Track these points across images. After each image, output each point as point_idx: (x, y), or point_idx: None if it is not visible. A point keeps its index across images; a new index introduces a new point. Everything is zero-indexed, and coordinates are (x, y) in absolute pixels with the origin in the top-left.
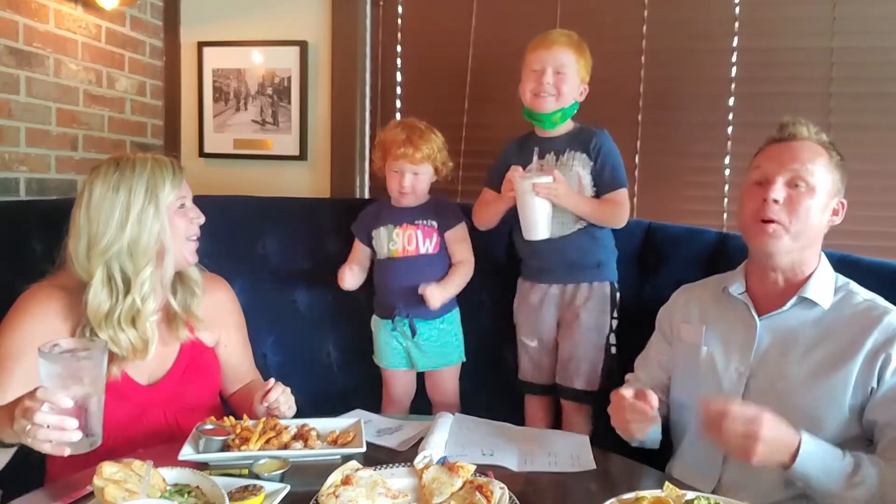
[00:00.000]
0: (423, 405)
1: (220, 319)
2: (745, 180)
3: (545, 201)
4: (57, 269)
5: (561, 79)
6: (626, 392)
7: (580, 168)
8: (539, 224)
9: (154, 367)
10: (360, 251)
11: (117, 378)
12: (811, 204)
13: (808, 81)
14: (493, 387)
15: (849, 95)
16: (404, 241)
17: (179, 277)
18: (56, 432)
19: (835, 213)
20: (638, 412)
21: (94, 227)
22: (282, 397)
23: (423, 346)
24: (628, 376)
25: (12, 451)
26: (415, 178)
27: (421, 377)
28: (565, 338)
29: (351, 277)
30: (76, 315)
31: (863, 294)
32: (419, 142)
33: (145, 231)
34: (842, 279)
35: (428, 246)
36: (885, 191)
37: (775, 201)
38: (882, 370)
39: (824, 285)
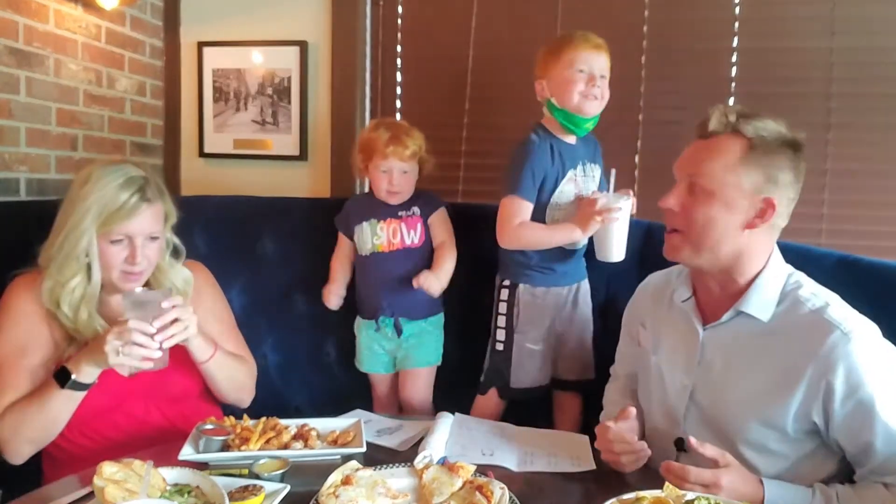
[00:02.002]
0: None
1: (195, 302)
2: None
3: (629, 222)
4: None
5: (605, 83)
6: (609, 423)
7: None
8: (625, 244)
9: None
10: (345, 245)
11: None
12: (708, 211)
13: (808, 81)
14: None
15: (848, 95)
16: (389, 235)
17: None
18: (144, 350)
19: (759, 214)
20: (625, 443)
21: (56, 220)
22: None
23: (403, 343)
24: (612, 369)
25: (79, 398)
26: (403, 176)
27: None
28: (574, 332)
29: (336, 298)
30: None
31: (810, 302)
32: (406, 139)
33: (72, 240)
34: (792, 280)
35: (413, 237)
36: (885, 191)
37: (670, 210)
38: (826, 403)
39: (765, 296)
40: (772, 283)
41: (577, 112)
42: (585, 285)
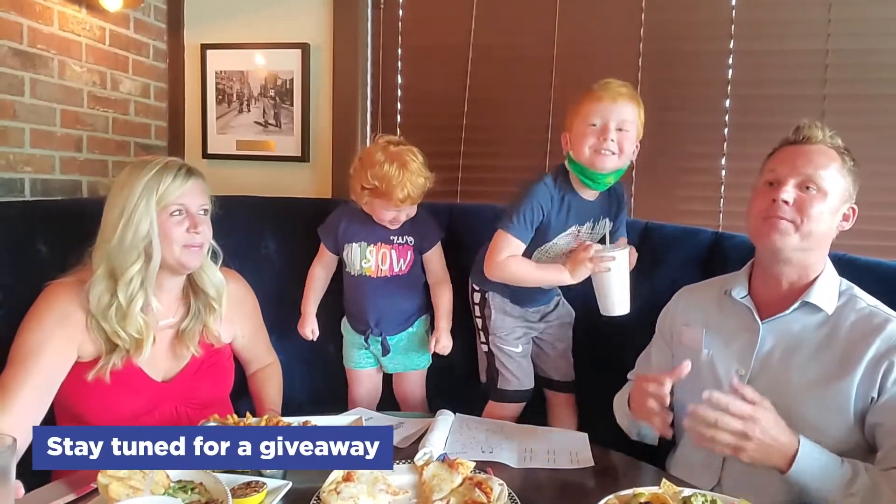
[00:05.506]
0: (389, 406)
1: (236, 315)
2: (756, 182)
3: (627, 272)
4: (84, 263)
5: (624, 136)
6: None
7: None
8: (627, 295)
9: (169, 365)
10: (326, 256)
11: (118, 368)
12: (822, 208)
13: (804, 83)
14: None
15: (843, 97)
16: (378, 261)
17: (195, 292)
18: None
19: (845, 218)
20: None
21: (103, 221)
22: None
23: (390, 354)
24: (630, 376)
25: None
26: (410, 208)
27: (388, 377)
28: (556, 336)
29: (312, 332)
30: (88, 307)
31: (867, 300)
32: (418, 180)
33: (132, 227)
34: (846, 283)
35: (402, 265)
36: (881, 191)
37: (785, 202)
38: (884, 379)
39: (828, 290)
40: (832, 280)
41: (591, 167)
42: (557, 300)
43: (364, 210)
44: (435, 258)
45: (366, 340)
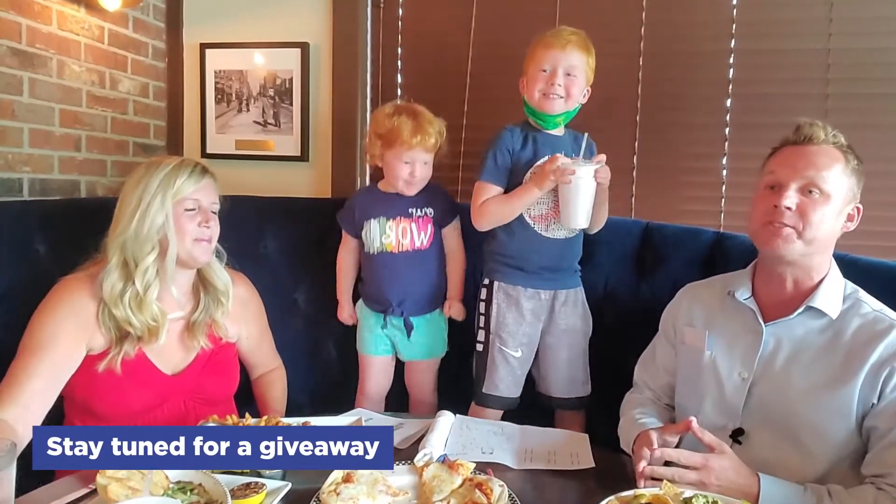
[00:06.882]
0: (399, 400)
1: (241, 315)
2: (757, 183)
3: (594, 188)
4: (93, 260)
5: (571, 81)
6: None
7: None
8: (588, 210)
9: (178, 359)
10: (351, 244)
11: (130, 357)
12: (825, 212)
13: (806, 82)
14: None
15: (845, 96)
16: (398, 235)
17: (204, 287)
18: None
19: (849, 218)
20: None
21: (118, 214)
22: None
23: (411, 337)
24: (637, 379)
25: None
26: (424, 166)
27: (399, 369)
28: (561, 347)
29: (350, 318)
30: (99, 297)
31: (871, 304)
32: (429, 127)
33: (148, 219)
34: (851, 286)
35: (423, 238)
36: (883, 191)
37: (788, 208)
38: (884, 385)
39: (833, 294)
40: (837, 283)
41: (539, 109)
42: (574, 295)
43: (380, 189)
44: (454, 233)
45: (384, 319)
